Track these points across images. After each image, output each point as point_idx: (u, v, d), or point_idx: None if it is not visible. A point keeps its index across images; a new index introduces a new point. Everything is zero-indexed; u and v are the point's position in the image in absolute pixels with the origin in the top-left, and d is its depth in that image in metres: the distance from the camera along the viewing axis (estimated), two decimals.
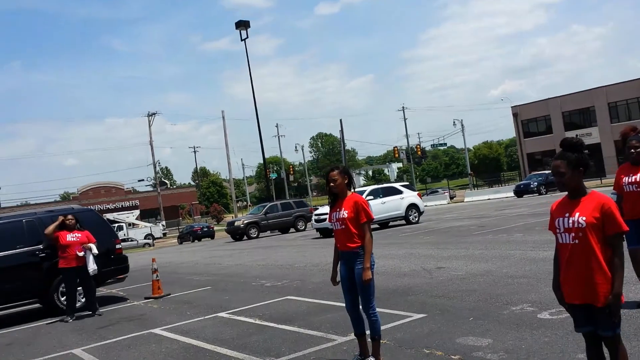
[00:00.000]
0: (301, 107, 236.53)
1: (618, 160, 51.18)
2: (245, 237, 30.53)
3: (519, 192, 38.53)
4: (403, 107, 74.13)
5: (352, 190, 5.30)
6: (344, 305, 7.90)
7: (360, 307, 5.21)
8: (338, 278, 5.37)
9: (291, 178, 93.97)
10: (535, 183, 38.47)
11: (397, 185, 24.56)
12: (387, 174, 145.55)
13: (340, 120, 52.17)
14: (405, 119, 73.95)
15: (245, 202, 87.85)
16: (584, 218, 3.28)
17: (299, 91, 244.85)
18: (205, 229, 45.55)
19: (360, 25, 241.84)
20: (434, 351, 5.37)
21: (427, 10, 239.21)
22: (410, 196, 22.77)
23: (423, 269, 10.46)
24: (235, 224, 31.80)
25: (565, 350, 4.91)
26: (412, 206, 22.74)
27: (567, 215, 3.38)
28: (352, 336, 6.25)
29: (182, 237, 46.00)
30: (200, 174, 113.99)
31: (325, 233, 23.34)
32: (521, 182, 42.07)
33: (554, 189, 39.09)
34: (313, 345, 6.19)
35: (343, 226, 5.13)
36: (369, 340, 5.24)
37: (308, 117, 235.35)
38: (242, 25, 42.96)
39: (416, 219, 22.92)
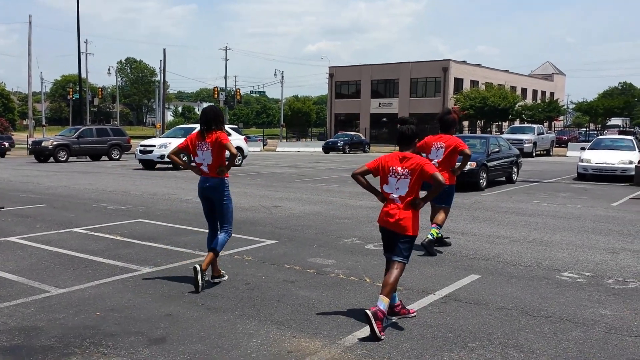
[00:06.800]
0: (114, 26, 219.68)
1: None
2: (51, 160, 28.93)
3: (327, 149, 42.01)
4: (226, 47, 73.93)
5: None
6: (200, 229, 9.05)
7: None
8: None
9: (96, 102, 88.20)
10: (342, 142, 42.23)
11: (227, 127, 25.52)
12: (198, 112, 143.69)
13: (164, 49, 50.43)
14: (226, 60, 74.06)
15: (41, 122, 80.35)
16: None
17: (114, 7, 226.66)
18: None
19: None
20: (293, 266, 6.83)
21: None
22: (237, 139, 23.93)
23: (262, 206, 11.90)
24: (43, 144, 29.85)
25: None
26: (238, 149, 23.98)
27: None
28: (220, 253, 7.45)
29: None
30: None
31: (147, 165, 23.51)
32: (329, 140, 45.73)
33: (356, 149, 43.33)
34: (186, 259, 7.22)
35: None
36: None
37: (120, 38, 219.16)
38: None
39: (239, 162, 24.28)
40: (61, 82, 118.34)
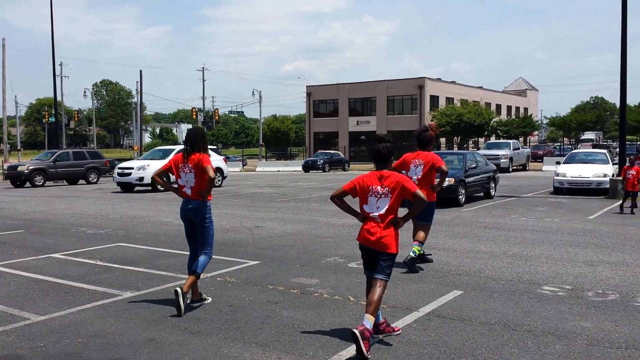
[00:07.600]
0: (87, 48, 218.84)
1: None
2: (28, 184, 28.48)
3: (307, 168, 42.06)
4: (203, 68, 74.21)
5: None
6: (181, 252, 8.98)
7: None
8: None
9: (72, 125, 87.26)
10: (321, 161, 42.35)
11: None
12: (176, 134, 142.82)
13: (140, 71, 50.26)
14: (204, 80, 74.18)
15: (16, 146, 79.17)
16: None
17: (86, 29, 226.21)
18: None
19: None
20: (277, 287, 6.82)
21: None
22: (216, 160, 23.85)
23: (243, 227, 11.86)
24: (19, 168, 29.39)
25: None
26: (218, 170, 23.87)
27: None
28: (202, 275, 7.40)
29: None
30: None
31: (126, 188, 23.28)
32: (309, 159, 45.82)
33: (336, 168, 43.47)
34: (168, 282, 7.15)
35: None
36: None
37: (93, 61, 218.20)
38: None
39: (219, 183, 24.15)
40: (36, 106, 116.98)
